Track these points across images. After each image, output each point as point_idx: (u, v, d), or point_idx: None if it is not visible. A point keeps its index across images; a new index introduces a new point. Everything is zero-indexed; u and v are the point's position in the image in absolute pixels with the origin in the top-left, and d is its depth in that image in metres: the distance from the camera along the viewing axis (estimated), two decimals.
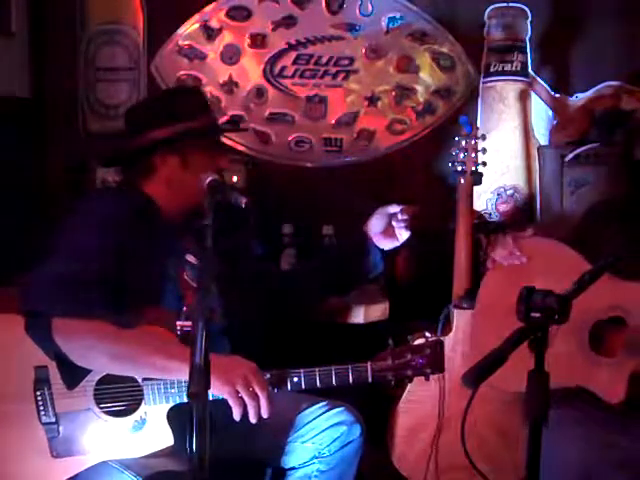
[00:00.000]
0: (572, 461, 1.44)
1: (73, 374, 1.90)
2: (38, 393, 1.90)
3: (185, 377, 1.76)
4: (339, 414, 2.12)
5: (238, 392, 1.81)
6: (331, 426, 2.11)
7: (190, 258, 2.07)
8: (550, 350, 1.75)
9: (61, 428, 1.90)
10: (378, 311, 2.80)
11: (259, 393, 1.82)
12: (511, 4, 3.30)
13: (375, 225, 2.27)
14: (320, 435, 2.11)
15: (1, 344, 1.93)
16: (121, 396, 1.93)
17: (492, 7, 3.32)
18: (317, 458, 2.11)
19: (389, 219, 2.25)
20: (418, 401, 2.40)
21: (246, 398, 1.81)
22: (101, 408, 1.92)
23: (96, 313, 1.82)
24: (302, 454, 2.12)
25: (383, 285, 3.13)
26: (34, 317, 1.86)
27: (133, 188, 2.12)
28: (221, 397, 1.83)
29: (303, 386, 1.90)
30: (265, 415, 1.83)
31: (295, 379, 1.89)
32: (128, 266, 1.90)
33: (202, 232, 1.60)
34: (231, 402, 1.82)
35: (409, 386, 2.39)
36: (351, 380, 1.90)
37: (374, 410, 2.17)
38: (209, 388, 1.45)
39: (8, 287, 2.11)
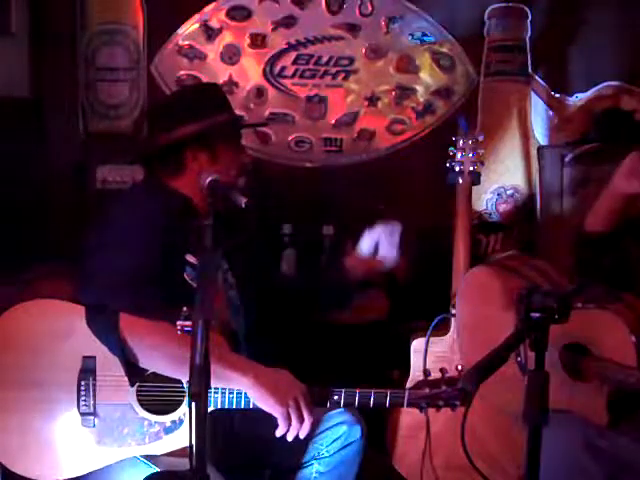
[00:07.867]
0: (555, 458, 1.46)
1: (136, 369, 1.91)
2: (82, 383, 1.91)
3: (237, 386, 1.87)
4: (340, 415, 2.11)
5: (289, 413, 1.87)
6: (331, 427, 2.10)
7: (190, 258, 2.07)
8: None
9: (97, 420, 1.91)
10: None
11: (306, 417, 1.89)
12: (511, 4, 3.31)
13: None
14: (320, 435, 2.10)
15: (54, 331, 1.93)
16: (163, 395, 1.94)
17: (492, 7, 3.32)
18: (317, 459, 2.11)
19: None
20: None
21: (294, 421, 1.88)
22: (142, 405, 1.93)
23: (158, 311, 1.84)
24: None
25: (383, 285, 3.14)
26: (97, 310, 1.87)
27: (164, 186, 2.11)
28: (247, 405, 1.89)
29: (341, 404, 1.95)
30: (302, 436, 1.92)
31: (335, 397, 1.94)
32: (172, 265, 1.93)
33: (202, 232, 1.60)
34: (280, 422, 1.88)
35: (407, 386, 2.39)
36: (388, 404, 1.96)
37: (374, 411, 2.16)
38: (209, 387, 1.45)
39: (8, 286, 2.11)
